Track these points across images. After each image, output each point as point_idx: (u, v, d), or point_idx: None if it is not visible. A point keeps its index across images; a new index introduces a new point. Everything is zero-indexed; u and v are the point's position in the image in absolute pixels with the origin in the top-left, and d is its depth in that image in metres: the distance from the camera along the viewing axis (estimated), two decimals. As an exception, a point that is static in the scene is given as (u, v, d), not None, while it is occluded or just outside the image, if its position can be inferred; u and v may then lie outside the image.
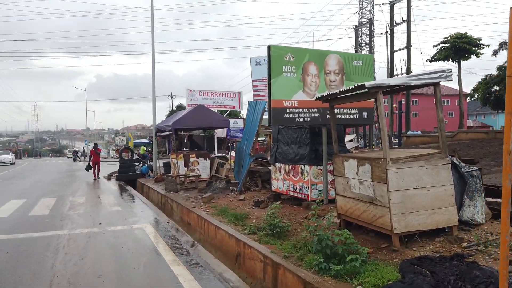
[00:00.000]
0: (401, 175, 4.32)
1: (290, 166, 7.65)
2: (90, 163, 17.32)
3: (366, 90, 4.43)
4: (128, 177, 16.30)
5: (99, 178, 16.99)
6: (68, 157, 53.58)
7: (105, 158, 57.76)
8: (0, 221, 7.30)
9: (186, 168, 12.75)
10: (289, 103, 6.18)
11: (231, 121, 18.52)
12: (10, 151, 42.41)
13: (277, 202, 8.36)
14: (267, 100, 6.04)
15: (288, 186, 7.84)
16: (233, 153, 19.02)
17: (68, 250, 5.18)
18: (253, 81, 20.15)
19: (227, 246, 6.08)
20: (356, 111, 6.82)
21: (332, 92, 4.95)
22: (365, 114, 6.90)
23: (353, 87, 4.46)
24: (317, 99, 5.41)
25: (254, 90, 20.18)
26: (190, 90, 19.50)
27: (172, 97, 49.69)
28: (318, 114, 6.43)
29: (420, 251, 4.05)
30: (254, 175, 10.91)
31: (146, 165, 17.49)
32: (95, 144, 18.76)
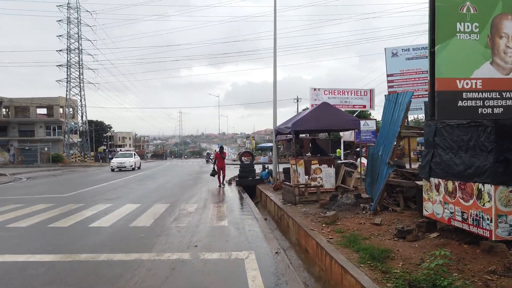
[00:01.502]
0: None
1: (457, 183, 5.11)
2: (215, 167, 15.49)
3: None
4: (247, 183, 15.31)
5: (224, 185, 15.36)
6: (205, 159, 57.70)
7: (234, 161, 60.37)
8: (98, 232, 6.63)
9: (307, 177, 10.93)
10: (468, 84, 3.77)
11: (361, 122, 16.05)
12: (134, 153, 32.42)
13: (432, 234, 5.86)
14: (428, 79, 3.76)
15: (451, 212, 5.29)
16: (363, 160, 16.48)
17: (136, 292, 3.84)
18: (388, 75, 17.24)
19: (360, 306, 3.98)
20: None
21: None
22: None
23: None
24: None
25: (389, 86, 17.24)
26: (315, 89, 17.65)
27: (297, 100, 48.70)
28: (520, 101, 3.83)
29: None
30: (393, 190, 8.44)
31: (266, 170, 16.28)
32: (221, 148, 16.57)
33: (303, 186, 10.30)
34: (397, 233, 5.79)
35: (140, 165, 30.93)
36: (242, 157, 18.16)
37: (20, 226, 7.04)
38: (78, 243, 5.81)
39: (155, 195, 12.13)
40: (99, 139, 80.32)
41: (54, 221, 7.56)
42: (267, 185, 14.60)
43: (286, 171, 14.23)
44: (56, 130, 60.14)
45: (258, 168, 17.26)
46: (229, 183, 16.82)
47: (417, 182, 7.18)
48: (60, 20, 51.91)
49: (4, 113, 62.10)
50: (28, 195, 12.41)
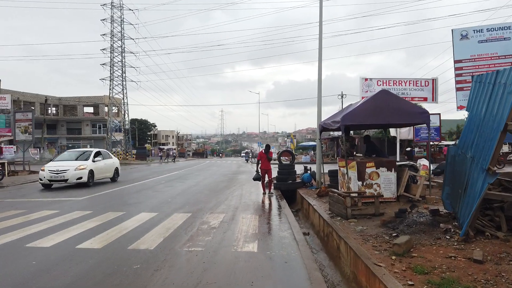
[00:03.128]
0: None
1: None
2: (259, 170, 12.31)
3: None
4: (287, 186, 13.32)
5: (271, 193, 12.14)
6: (243, 157, 56.52)
7: (274, 160, 58.13)
8: (82, 258, 4.94)
9: (360, 183, 8.79)
10: None
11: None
12: (99, 151, 16.69)
13: None
14: None
15: None
16: (425, 162, 13.95)
17: None
18: (455, 62, 14.50)
19: None
20: None
21: None
22: None
23: None
24: None
25: (457, 75, 14.51)
26: (366, 79, 15.31)
27: (342, 96, 45.89)
28: None
29: None
30: (486, 206, 6.12)
31: (308, 172, 14.22)
32: (267, 146, 13.08)
33: (357, 195, 8.19)
34: (524, 284, 3.62)
35: (116, 174, 17.12)
36: (281, 157, 16.13)
37: (-8, 245, 5.56)
38: (42, 279, 4.14)
39: (179, 200, 10.47)
40: (143, 137, 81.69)
41: (40, 237, 6.02)
42: (310, 189, 12.57)
43: (333, 173, 12.13)
44: (102, 128, 61.59)
45: (298, 169, 15.24)
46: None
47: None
48: (104, 19, 52.58)
49: (54, 111, 64.52)
50: (42, 198, 11.24)
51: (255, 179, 12.59)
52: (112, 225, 6.92)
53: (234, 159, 64.94)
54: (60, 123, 64.52)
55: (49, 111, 63.19)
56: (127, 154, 51.13)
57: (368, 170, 8.83)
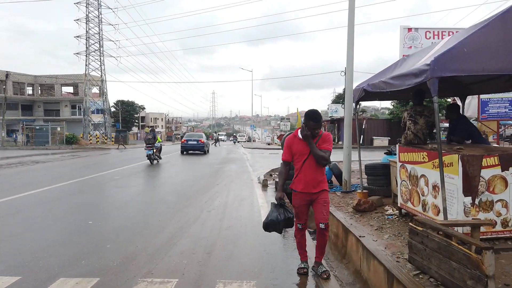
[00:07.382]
0: None
1: None
2: (285, 195, 4.52)
3: None
4: (295, 187, 8.56)
5: (324, 271, 3.90)
6: (229, 140, 52.24)
7: (269, 144, 53.45)
8: None
9: (467, 199, 4.12)
10: None
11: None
12: None
13: None
14: None
15: None
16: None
17: None
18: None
19: None
20: None
21: None
22: None
23: None
24: None
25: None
26: (410, 30, 10.55)
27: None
28: None
29: None
30: None
31: (328, 166, 9.54)
32: (312, 116, 3.82)
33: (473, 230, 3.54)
34: None
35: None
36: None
37: None
38: None
39: (105, 226, 5.69)
40: (130, 120, 75.89)
41: None
42: (332, 192, 7.91)
43: (373, 171, 7.42)
44: (82, 110, 56.22)
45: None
46: (264, 185, 10.31)
47: None
48: (77, -14, 46.55)
49: (30, 91, 58.97)
50: None
51: (268, 225, 4.01)
52: None
53: (224, 143, 59.96)
54: (36, 103, 59.09)
55: (25, 91, 57.65)
56: (106, 138, 46.06)
57: (486, 174, 4.17)
